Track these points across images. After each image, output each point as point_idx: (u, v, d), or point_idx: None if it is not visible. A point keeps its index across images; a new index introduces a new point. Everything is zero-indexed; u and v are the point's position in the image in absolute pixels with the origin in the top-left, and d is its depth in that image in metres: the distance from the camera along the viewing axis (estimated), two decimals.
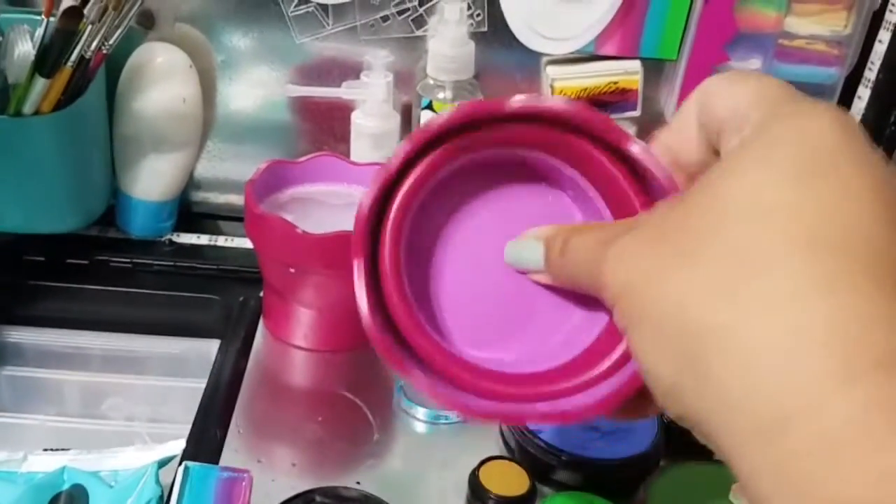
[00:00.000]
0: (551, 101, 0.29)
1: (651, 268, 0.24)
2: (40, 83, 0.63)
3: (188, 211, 0.81)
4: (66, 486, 0.53)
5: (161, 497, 0.52)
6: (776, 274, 0.21)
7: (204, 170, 0.80)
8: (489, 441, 0.60)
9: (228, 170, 0.80)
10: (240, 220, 0.71)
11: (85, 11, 0.62)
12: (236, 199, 0.81)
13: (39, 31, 0.62)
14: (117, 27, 0.65)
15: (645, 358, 0.24)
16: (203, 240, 0.78)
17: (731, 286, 0.22)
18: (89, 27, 0.63)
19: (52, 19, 0.61)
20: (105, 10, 0.63)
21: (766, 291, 0.21)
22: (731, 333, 0.21)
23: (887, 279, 0.21)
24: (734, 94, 0.26)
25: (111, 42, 0.65)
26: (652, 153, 0.29)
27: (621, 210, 0.31)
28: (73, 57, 0.63)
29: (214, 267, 0.75)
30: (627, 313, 0.25)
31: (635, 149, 0.29)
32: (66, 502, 0.52)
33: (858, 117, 0.74)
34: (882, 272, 0.21)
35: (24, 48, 0.61)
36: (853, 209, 0.21)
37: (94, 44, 0.64)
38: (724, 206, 0.23)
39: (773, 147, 0.23)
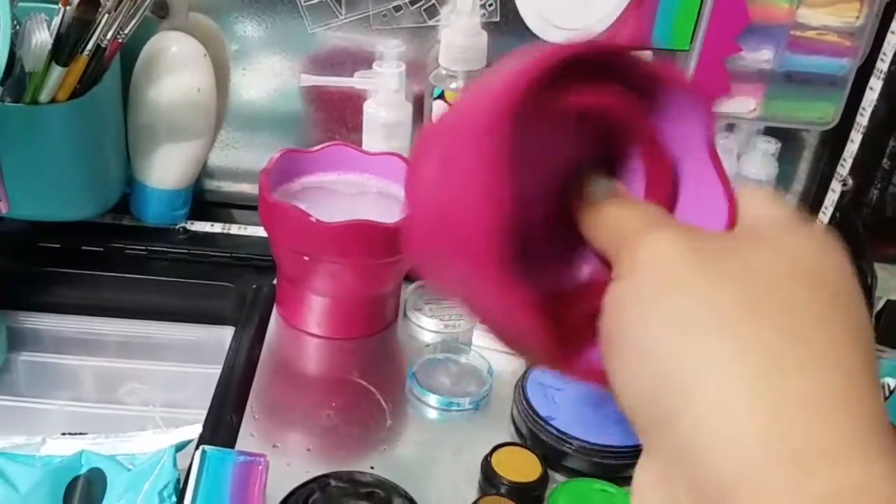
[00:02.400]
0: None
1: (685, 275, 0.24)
2: (57, 71, 0.64)
3: (202, 199, 0.81)
4: (84, 470, 0.53)
5: (178, 480, 0.53)
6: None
7: (217, 159, 0.81)
8: (501, 427, 0.60)
9: (241, 159, 0.81)
10: (253, 208, 0.72)
11: (101, 0, 0.62)
12: (249, 188, 0.81)
13: (56, 20, 0.62)
14: (133, 16, 0.65)
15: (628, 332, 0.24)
16: (217, 228, 0.79)
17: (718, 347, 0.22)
18: (105, 16, 0.63)
19: (68, 8, 0.62)
20: None
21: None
22: (694, 391, 0.22)
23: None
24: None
25: (127, 31, 0.66)
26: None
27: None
28: (90, 46, 0.64)
29: (228, 255, 0.76)
30: (641, 288, 0.25)
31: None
32: (84, 486, 0.53)
33: (870, 109, 0.74)
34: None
35: (42, 37, 0.62)
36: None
37: (111, 33, 0.64)
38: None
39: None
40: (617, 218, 0.27)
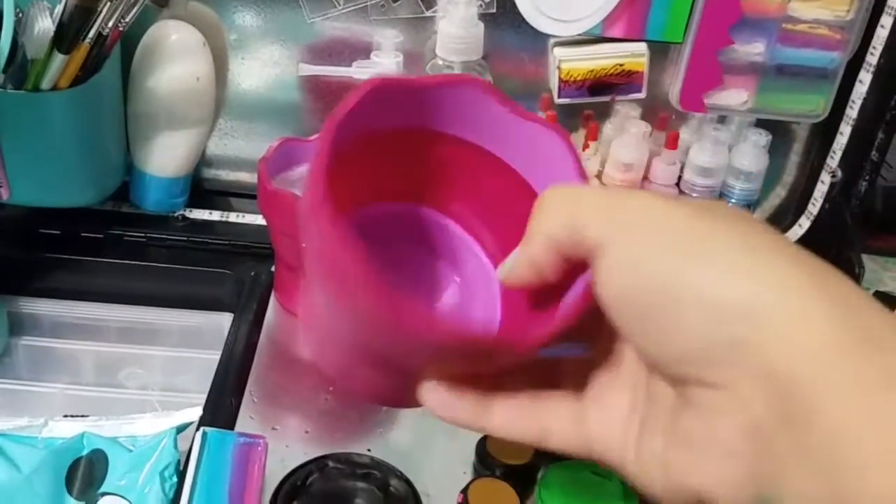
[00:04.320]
0: None
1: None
2: (58, 59, 0.64)
3: (200, 187, 0.82)
4: (86, 451, 0.54)
5: (178, 462, 0.54)
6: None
7: (216, 147, 0.82)
8: None
9: (240, 147, 0.82)
10: (251, 196, 0.73)
11: None
12: (247, 177, 0.82)
13: (59, 8, 0.63)
14: (134, 5, 0.66)
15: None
16: (215, 216, 0.79)
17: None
18: (107, 4, 0.64)
19: None
20: None
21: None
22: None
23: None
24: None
25: (128, 19, 0.66)
26: None
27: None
28: (91, 34, 0.65)
29: (226, 242, 0.76)
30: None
31: None
32: (86, 467, 0.54)
33: (859, 102, 0.75)
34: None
35: (44, 24, 0.62)
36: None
37: (112, 21, 0.65)
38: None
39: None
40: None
